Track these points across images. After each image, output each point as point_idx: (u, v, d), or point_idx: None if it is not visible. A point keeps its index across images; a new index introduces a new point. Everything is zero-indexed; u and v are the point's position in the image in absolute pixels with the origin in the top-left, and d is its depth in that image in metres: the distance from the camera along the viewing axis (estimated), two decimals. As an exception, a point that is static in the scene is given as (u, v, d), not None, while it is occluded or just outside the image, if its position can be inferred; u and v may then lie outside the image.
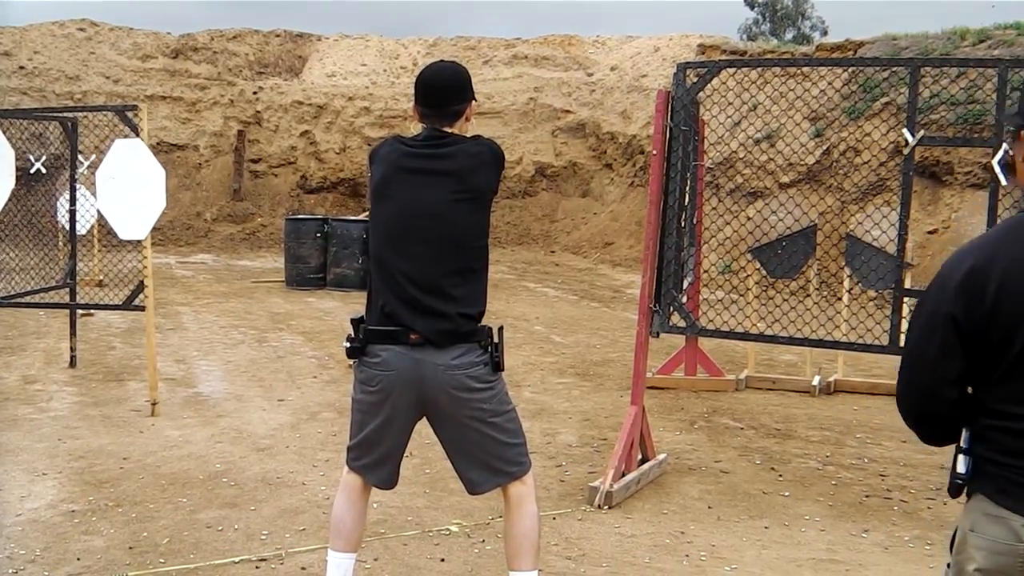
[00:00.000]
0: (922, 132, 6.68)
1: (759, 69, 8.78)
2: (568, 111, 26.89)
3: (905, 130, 6.43)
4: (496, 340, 4.26)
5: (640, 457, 6.97)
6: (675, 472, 7.18)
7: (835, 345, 7.13)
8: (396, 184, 4.22)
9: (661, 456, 7.22)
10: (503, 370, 4.30)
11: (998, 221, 6.29)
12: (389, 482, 4.50)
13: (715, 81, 6.97)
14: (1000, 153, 6.09)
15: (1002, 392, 2.53)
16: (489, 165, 4.25)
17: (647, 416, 7.07)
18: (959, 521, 2.68)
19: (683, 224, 7.10)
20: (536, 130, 26.66)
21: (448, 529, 5.93)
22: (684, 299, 7.41)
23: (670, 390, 9.81)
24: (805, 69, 17.27)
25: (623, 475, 6.61)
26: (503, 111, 26.74)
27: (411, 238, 4.16)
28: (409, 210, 4.17)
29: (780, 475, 7.19)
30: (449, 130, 4.29)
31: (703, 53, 23.39)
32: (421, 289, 4.12)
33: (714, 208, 9.36)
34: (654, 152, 6.88)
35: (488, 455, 4.29)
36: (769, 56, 19.28)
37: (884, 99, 17.51)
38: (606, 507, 6.33)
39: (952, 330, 2.53)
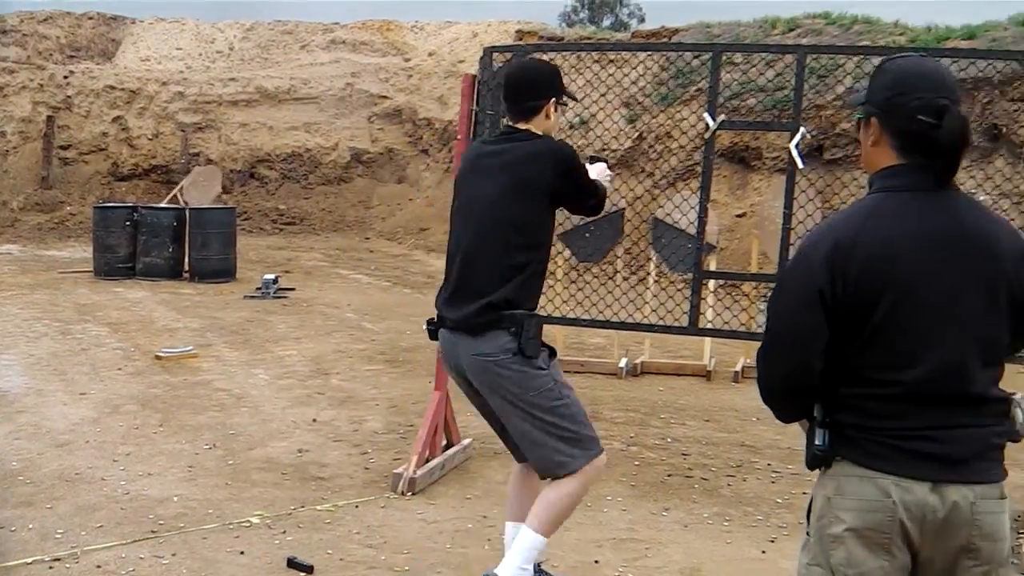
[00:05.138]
0: (722, 116, 6.75)
1: (577, 54, 8.80)
2: (385, 97, 26.71)
3: (706, 115, 6.49)
4: (526, 328, 4.31)
5: (445, 442, 6.93)
6: (481, 457, 7.16)
7: (638, 327, 7.19)
8: (465, 180, 4.54)
9: (466, 441, 7.18)
10: (531, 357, 4.32)
11: (795, 204, 6.41)
12: (516, 456, 4.69)
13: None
14: (797, 137, 6.21)
15: (866, 359, 2.66)
16: (545, 162, 4.34)
17: (451, 401, 7.01)
18: (815, 491, 2.77)
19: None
20: (352, 116, 26.41)
21: (249, 521, 5.80)
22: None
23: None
24: (622, 55, 17.48)
25: (427, 461, 6.56)
26: (319, 96, 26.44)
27: (467, 230, 4.42)
28: (468, 204, 4.46)
29: (585, 457, 7.22)
30: (524, 126, 4.45)
31: (521, 39, 23.43)
32: (461, 279, 4.41)
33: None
34: (459, 137, 6.83)
35: (527, 443, 4.45)
36: (586, 42, 19.41)
37: (696, 86, 17.82)
38: (409, 493, 6.28)
39: (819, 304, 2.65)
